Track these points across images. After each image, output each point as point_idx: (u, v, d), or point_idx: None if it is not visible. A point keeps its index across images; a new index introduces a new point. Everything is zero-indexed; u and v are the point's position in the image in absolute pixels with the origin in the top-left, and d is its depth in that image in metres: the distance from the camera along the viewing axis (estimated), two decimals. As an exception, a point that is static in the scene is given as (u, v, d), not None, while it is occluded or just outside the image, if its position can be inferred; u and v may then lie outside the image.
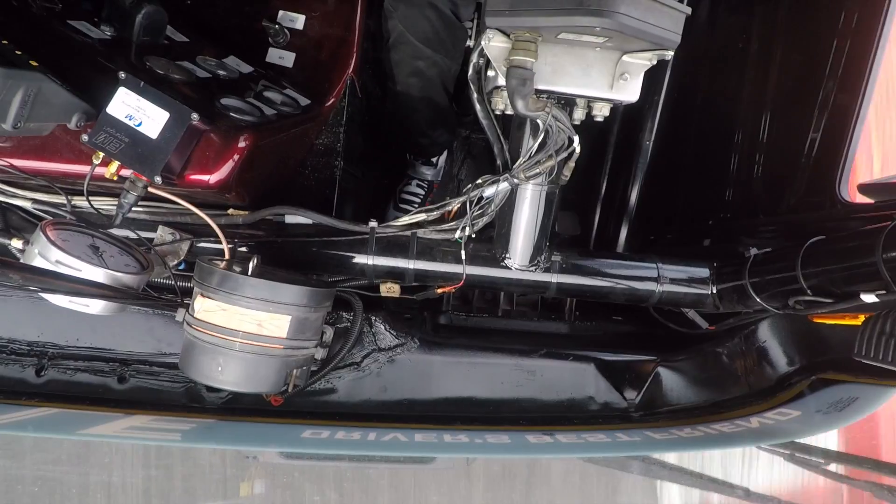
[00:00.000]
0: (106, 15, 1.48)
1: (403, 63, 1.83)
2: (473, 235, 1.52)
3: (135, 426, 1.43)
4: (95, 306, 1.26)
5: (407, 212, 1.56)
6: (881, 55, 1.52)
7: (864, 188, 1.51)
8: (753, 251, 1.49)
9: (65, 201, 1.44)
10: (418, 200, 2.39)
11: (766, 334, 1.73)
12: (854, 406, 1.55)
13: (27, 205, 1.45)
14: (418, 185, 2.40)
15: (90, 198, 1.37)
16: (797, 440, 1.89)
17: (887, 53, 1.53)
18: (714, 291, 1.58)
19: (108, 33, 1.45)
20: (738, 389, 1.73)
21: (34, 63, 1.22)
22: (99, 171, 1.29)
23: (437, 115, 2.07)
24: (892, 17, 1.51)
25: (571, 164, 1.36)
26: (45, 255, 1.19)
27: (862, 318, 1.28)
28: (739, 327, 1.73)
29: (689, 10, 1.09)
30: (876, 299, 1.18)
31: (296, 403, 1.57)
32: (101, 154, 1.26)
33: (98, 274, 1.21)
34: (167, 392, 1.57)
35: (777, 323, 1.72)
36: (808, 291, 1.31)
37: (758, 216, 1.91)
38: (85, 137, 1.25)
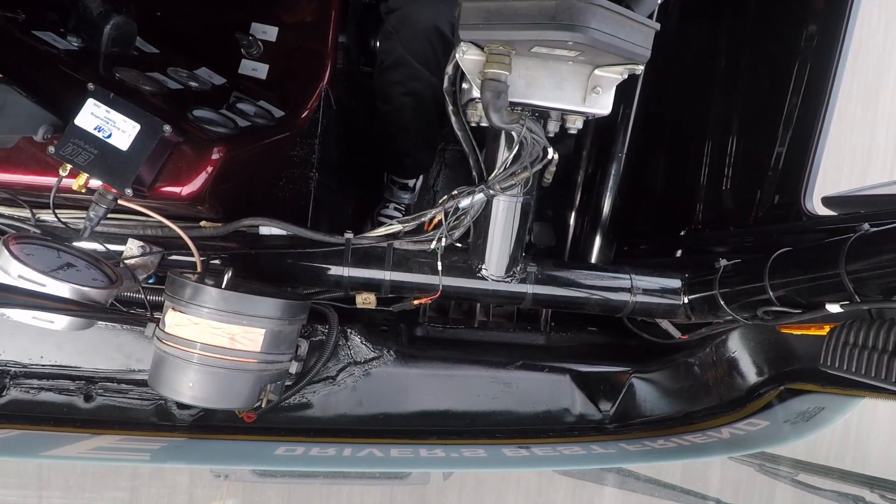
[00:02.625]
0: (73, 26, 1.45)
1: (400, 84, 1.82)
2: (457, 245, 1.52)
3: (101, 447, 1.39)
4: (60, 322, 1.22)
5: None
6: (842, 71, 1.58)
7: (828, 201, 1.55)
8: (723, 262, 1.52)
9: (29, 215, 1.40)
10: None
11: (736, 345, 1.76)
12: (821, 416, 1.58)
13: (-11, 218, 1.41)
14: (395, 209, 2.40)
15: (57, 211, 1.34)
16: (767, 450, 1.91)
17: (847, 70, 1.58)
18: (686, 302, 1.60)
19: (76, 44, 1.42)
20: (709, 400, 1.76)
21: (-1, 74, 1.19)
22: (67, 182, 1.26)
23: (425, 136, 2.08)
24: (851, 34, 1.57)
25: (552, 168, 1.37)
26: (7, 269, 1.15)
27: (828, 328, 1.31)
28: (710, 337, 1.76)
29: (657, 26, 1.12)
30: (840, 310, 1.21)
31: (269, 419, 1.55)
32: (69, 166, 1.24)
33: (63, 289, 1.18)
34: (136, 410, 1.52)
35: (747, 333, 1.75)
36: (776, 302, 1.34)
37: (727, 228, 1.95)
38: (52, 149, 1.22)
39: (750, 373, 1.74)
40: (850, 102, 4.06)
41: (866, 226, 1.21)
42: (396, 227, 1.51)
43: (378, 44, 1.81)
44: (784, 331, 1.62)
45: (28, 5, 1.44)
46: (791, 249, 1.37)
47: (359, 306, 1.60)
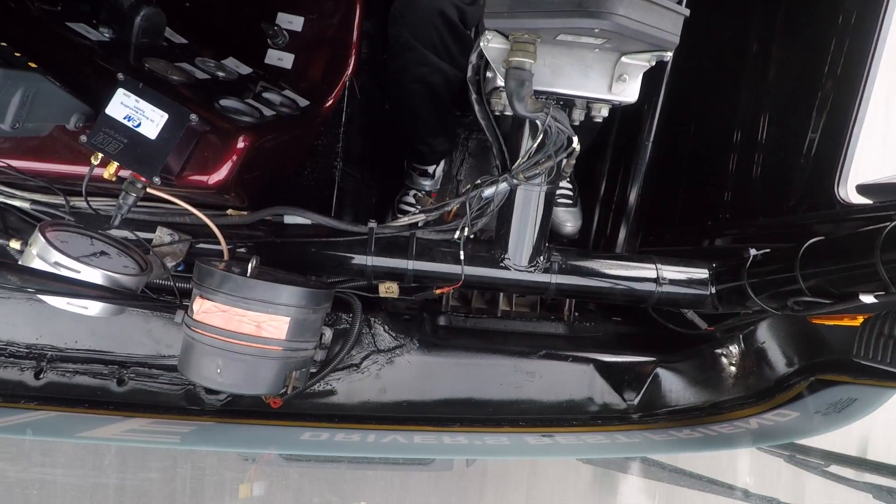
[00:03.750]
0: (105, 17, 1.48)
1: (408, 70, 1.82)
2: (472, 236, 1.52)
3: (134, 429, 1.43)
4: (94, 308, 1.25)
5: None
6: (880, 56, 1.53)
7: (863, 189, 1.51)
8: (752, 252, 1.49)
9: (63, 202, 1.44)
10: (416, 210, 2.39)
11: (764, 335, 1.73)
12: (853, 407, 1.55)
13: (25, 206, 1.45)
14: (416, 196, 2.40)
15: (89, 198, 1.37)
16: (797, 441, 1.88)
17: (885, 54, 1.53)
18: (713, 292, 1.57)
19: (107, 35, 1.45)
20: (736, 390, 1.73)
21: (33, 64, 1.22)
22: (97, 171, 1.29)
23: (438, 122, 2.07)
24: (890, 17, 1.51)
25: (572, 161, 1.36)
26: (44, 256, 1.18)
27: (861, 319, 1.28)
28: (738, 328, 1.73)
29: (687, 12, 1.09)
30: (875, 300, 1.18)
31: (295, 405, 1.57)
32: (100, 155, 1.26)
33: (96, 275, 1.21)
34: (166, 394, 1.56)
35: (776, 324, 1.72)
36: (807, 292, 1.31)
37: (757, 217, 1.91)
38: (84, 138, 1.25)
39: (779, 363, 1.71)
40: (888, 86, 3.92)
41: (903, 214, 1.17)
42: (419, 217, 1.51)
43: (388, 29, 1.81)
44: (815, 321, 1.58)
45: (61, -3, 1.47)
46: (824, 238, 1.33)
47: (381, 295, 1.61)
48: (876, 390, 1.52)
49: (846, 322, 1.40)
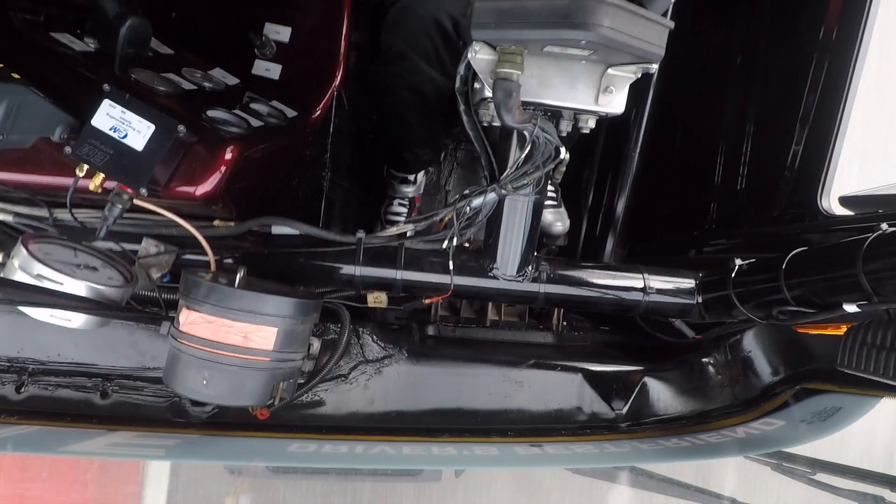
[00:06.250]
0: (89, 27, 1.47)
1: (400, 78, 1.82)
2: (466, 245, 1.52)
3: (118, 442, 1.41)
4: (77, 320, 1.24)
5: None
6: (860, 69, 1.56)
7: (846, 200, 1.53)
8: (738, 262, 1.50)
9: (47, 214, 1.42)
10: (403, 219, 2.38)
11: (750, 344, 1.74)
12: (838, 416, 1.57)
13: (8, 218, 1.43)
14: (400, 204, 2.39)
15: (74, 210, 1.36)
16: (783, 450, 1.90)
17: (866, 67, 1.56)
18: (699, 301, 1.59)
19: (92, 46, 1.44)
20: (723, 399, 1.74)
21: (16, 76, 1.21)
22: (83, 183, 1.28)
23: (426, 131, 2.07)
24: (870, 31, 1.54)
25: (562, 168, 1.37)
26: (26, 268, 1.17)
27: (844, 328, 1.30)
28: (725, 337, 1.74)
29: (672, 24, 1.11)
30: (858, 310, 1.20)
31: (282, 417, 1.55)
32: (85, 166, 1.25)
33: (80, 287, 1.19)
34: (151, 407, 1.54)
35: (762, 332, 1.73)
36: (792, 302, 1.32)
37: (742, 227, 1.93)
38: (69, 149, 1.24)
39: (765, 372, 1.72)
40: (868, 99, 4.00)
41: (885, 226, 1.19)
42: (408, 227, 1.51)
43: (381, 37, 1.81)
44: (800, 330, 1.60)
45: (45, 7, 1.46)
46: (807, 249, 1.35)
47: (370, 305, 1.61)
48: (860, 399, 1.53)
49: (830, 331, 1.42)
